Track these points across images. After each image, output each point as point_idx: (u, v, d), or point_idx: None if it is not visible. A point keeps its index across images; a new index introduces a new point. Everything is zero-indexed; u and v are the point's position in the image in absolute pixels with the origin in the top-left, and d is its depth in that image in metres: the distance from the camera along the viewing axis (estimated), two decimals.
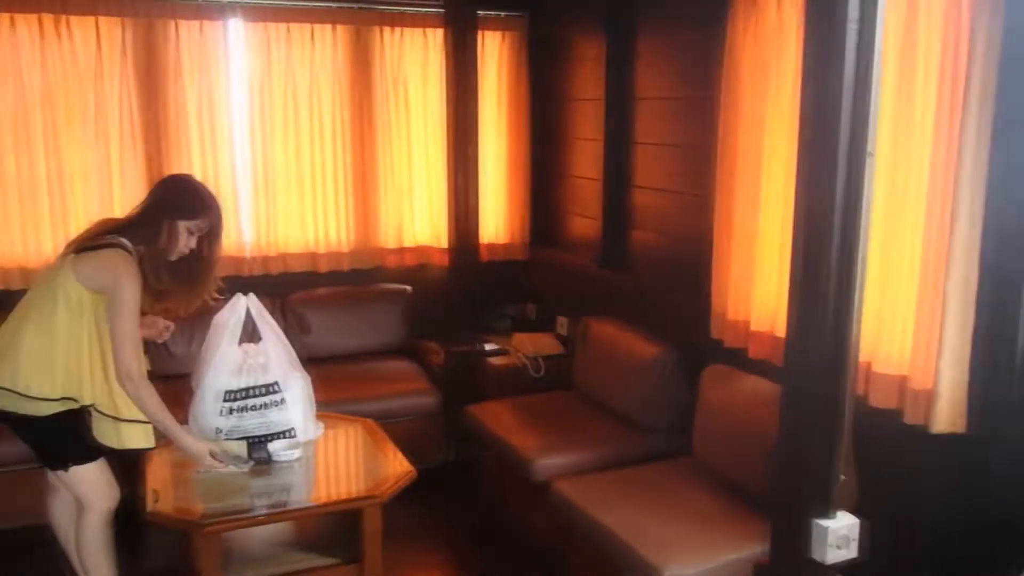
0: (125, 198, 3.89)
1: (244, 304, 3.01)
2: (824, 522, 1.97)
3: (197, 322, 3.63)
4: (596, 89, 3.88)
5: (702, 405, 3.04)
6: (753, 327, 2.92)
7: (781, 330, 2.75)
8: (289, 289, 4.24)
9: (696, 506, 2.72)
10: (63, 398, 2.48)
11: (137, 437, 2.59)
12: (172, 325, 2.83)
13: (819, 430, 1.94)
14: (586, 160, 4.14)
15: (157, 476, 2.75)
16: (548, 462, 3.08)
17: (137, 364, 2.48)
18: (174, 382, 3.38)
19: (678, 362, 3.28)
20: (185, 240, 2.55)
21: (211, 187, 3.91)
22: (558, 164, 4.46)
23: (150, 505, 2.56)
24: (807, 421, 1.97)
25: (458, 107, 3.88)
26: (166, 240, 2.51)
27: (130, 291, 2.43)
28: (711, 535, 2.53)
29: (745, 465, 2.72)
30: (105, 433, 2.56)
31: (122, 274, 2.44)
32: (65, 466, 2.54)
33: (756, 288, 2.89)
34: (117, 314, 2.43)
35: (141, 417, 2.56)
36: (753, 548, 2.42)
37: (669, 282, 3.55)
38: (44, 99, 3.73)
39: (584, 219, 4.20)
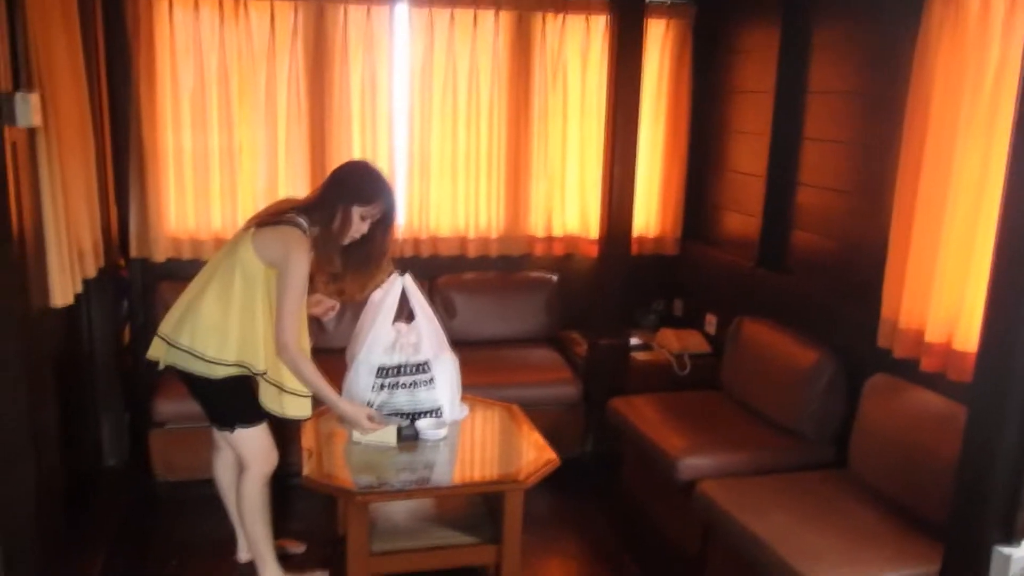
0: (289, 175, 4.13)
1: (400, 284, 3.13)
2: (1006, 550, 1.86)
3: (346, 302, 3.88)
4: (765, 81, 3.78)
5: (863, 416, 2.91)
6: (928, 338, 2.77)
7: (962, 343, 2.60)
8: (437, 272, 4.37)
9: (853, 521, 2.62)
10: (236, 364, 2.67)
11: (297, 406, 2.76)
12: (337, 305, 2.98)
13: (1009, 453, 1.83)
14: (748, 155, 4.04)
15: (312, 446, 2.92)
16: (694, 462, 3.05)
17: (295, 338, 2.60)
18: (327, 356, 3.59)
19: (838, 370, 3.16)
20: (357, 225, 2.66)
21: None
22: (717, 158, 4.37)
23: (306, 470, 2.72)
24: (996, 443, 1.86)
25: (619, 95, 3.86)
26: (339, 224, 2.63)
27: (298, 268, 2.56)
28: (869, 552, 2.44)
29: (908, 482, 2.60)
30: (270, 400, 2.75)
31: (293, 251, 2.57)
32: (231, 427, 2.73)
33: (935, 297, 2.74)
34: (283, 288, 2.57)
35: (302, 390, 2.72)
36: (915, 570, 2.31)
37: (832, 286, 3.42)
38: (220, 78, 3.98)
39: (742, 216, 4.10)
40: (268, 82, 4.05)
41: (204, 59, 3.96)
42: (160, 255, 4.03)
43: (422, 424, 3.03)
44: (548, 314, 4.42)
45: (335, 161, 4.15)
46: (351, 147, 4.20)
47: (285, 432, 2.95)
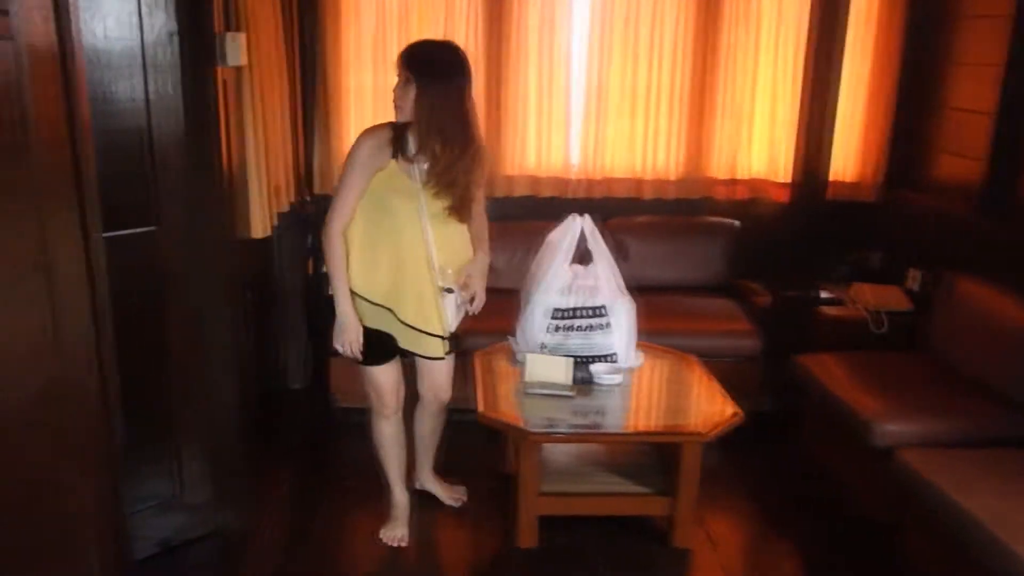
0: None
1: (579, 225, 3.14)
2: None
3: (524, 238, 3.94)
4: (1000, 3, 3.42)
5: None
6: None
7: None
8: (610, 214, 4.33)
9: None
10: (381, 306, 2.66)
11: (434, 347, 2.74)
12: (474, 295, 2.79)
13: None
14: (974, 89, 3.70)
15: (486, 383, 3.00)
16: (893, 428, 2.89)
17: (339, 225, 2.53)
18: (500, 296, 3.66)
19: None
20: (402, 91, 2.47)
21: (545, 105, 4.23)
22: (933, 94, 4.04)
23: (480, 407, 2.81)
24: None
25: (823, 26, 3.62)
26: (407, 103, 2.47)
27: (358, 150, 2.51)
28: None
29: None
30: (408, 342, 2.73)
31: (359, 137, 2.53)
32: (364, 361, 2.75)
33: None
34: (344, 170, 2.55)
35: (439, 331, 2.71)
36: None
37: None
38: (400, 17, 4.09)
39: (961, 159, 3.78)
40: (447, 20, 4.11)
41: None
42: None
43: (597, 368, 3.05)
44: (727, 262, 4.30)
45: (511, 99, 4.21)
46: (527, 84, 4.21)
47: (458, 368, 3.03)
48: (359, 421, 3.09)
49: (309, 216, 4.02)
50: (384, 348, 2.73)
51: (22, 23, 1.30)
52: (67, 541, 1.46)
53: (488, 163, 2.59)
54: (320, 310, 3.94)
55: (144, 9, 2.20)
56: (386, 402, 2.83)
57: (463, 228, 2.72)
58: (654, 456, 3.09)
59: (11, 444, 1.27)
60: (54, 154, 1.43)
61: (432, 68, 2.44)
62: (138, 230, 2.32)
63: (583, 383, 3.00)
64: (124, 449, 1.66)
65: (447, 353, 2.78)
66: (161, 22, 2.22)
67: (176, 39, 2.24)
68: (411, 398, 2.97)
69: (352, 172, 2.52)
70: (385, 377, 2.80)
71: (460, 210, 2.60)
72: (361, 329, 2.64)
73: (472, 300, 2.78)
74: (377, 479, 2.99)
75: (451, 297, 2.68)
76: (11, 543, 1.27)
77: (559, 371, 2.96)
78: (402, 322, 2.67)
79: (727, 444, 2.89)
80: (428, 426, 3.06)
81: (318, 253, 4.13)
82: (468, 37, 4.15)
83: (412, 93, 2.44)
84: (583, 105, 4.31)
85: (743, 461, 3.51)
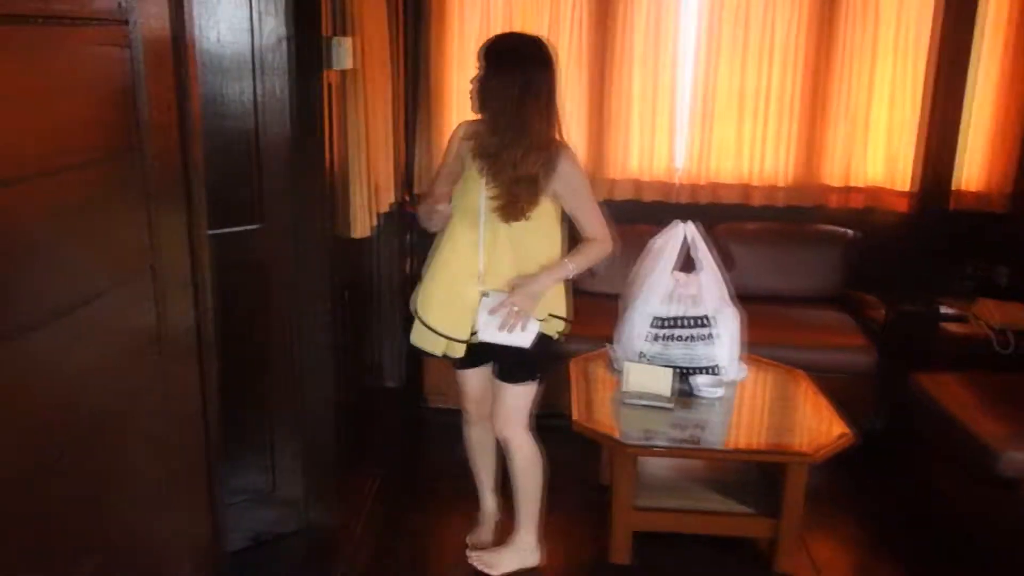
0: (564, 116, 4.14)
1: (683, 232, 3.06)
2: None
3: (625, 242, 3.87)
4: None
5: None
6: None
7: None
8: (716, 220, 4.21)
9: None
10: None
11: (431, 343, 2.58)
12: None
13: None
14: None
15: (582, 391, 2.96)
16: (1019, 456, 2.70)
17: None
18: (598, 299, 3.62)
19: None
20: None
21: (649, 108, 4.15)
22: None
23: (575, 415, 2.76)
24: None
25: (950, 26, 3.42)
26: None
27: (454, 135, 2.53)
28: None
29: None
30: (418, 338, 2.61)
31: (456, 129, 2.56)
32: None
33: None
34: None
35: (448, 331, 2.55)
36: None
37: None
38: (504, 19, 4.09)
39: None
40: (551, 20, 4.09)
41: (491, 1, 4.09)
42: None
43: (698, 380, 2.97)
44: (840, 272, 4.12)
45: (614, 102, 4.15)
46: (632, 85, 4.15)
47: (552, 375, 2.99)
48: (452, 422, 3.09)
49: (408, 216, 4.06)
50: (471, 350, 2.58)
51: (140, 31, 1.34)
52: (159, 536, 1.49)
53: (563, 165, 2.39)
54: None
55: (256, 15, 2.25)
56: (467, 408, 2.79)
57: (518, 237, 2.46)
58: (756, 474, 2.98)
59: (108, 443, 1.29)
60: (165, 158, 1.46)
61: (498, 58, 2.36)
62: (243, 228, 2.37)
63: (683, 395, 2.92)
64: (222, 444, 1.69)
65: (509, 380, 2.56)
66: (272, 27, 2.27)
67: (286, 43, 2.29)
68: None
69: (448, 154, 2.54)
70: (467, 382, 2.73)
71: (506, 208, 2.38)
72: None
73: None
74: (469, 482, 2.98)
75: (485, 301, 2.48)
76: (104, 534, 1.30)
77: (659, 381, 2.89)
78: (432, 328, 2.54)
79: (835, 464, 2.76)
80: (485, 444, 2.89)
81: (416, 253, 4.20)
82: (572, 37, 4.11)
83: (473, 87, 2.41)
84: (689, 107, 4.22)
85: (852, 483, 3.35)
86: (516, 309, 2.42)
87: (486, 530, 2.91)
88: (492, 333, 2.47)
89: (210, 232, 1.76)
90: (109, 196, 1.30)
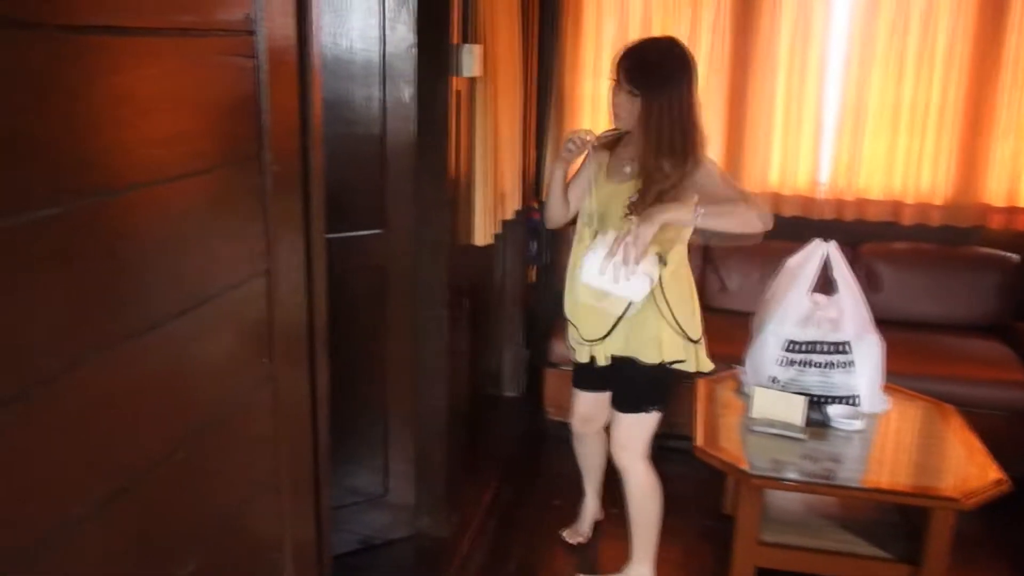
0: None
1: (822, 251, 2.90)
2: None
3: (761, 259, 3.73)
4: None
5: None
6: None
7: None
8: (862, 238, 3.99)
9: None
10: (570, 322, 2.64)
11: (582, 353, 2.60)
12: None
13: None
14: None
15: (707, 414, 2.84)
16: None
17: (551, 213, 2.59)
18: (729, 317, 3.48)
19: None
20: (613, 98, 2.36)
21: (793, 118, 3.97)
22: None
23: (698, 441, 2.65)
24: None
25: None
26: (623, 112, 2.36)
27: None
28: None
29: None
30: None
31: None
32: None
33: None
34: None
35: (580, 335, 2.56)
36: None
37: None
38: (642, 26, 4.00)
39: None
40: (692, 28, 3.98)
41: (628, 8, 4.02)
42: None
43: (834, 411, 2.80)
44: (1001, 300, 3.80)
45: (755, 110, 3.99)
46: (774, 95, 3.98)
47: (677, 393, 2.90)
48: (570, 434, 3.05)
49: (533, 223, 4.04)
50: (587, 372, 2.64)
51: (265, 42, 1.36)
52: (263, 537, 1.51)
53: (711, 170, 2.38)
54: (538, 318, 4.01)
55: (387, 23, 2.28)
56: (574, 425, 2.85)
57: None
58: (896, 516, 2.77)
59: (217, 443, 1.32)
60: (285, 164, 1.48)
61: (651, 77, 2.27)
62: (366, 232, 2.41)
63: (817, 425, 2.76)
64: (330, 448, 1.71)
65: (627, 409, 2.51)
66: (401, 35, 2.30)
67: (414, 51, 2.31)
68: None
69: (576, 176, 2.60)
70: (580, 402, 2.78)
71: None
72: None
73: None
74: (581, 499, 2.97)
75: (598, 239, 2.31)
76: (208, 533, 1.32)
77: (791, 409, 2.73)
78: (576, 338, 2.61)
79: (986, 509, 2.52)
80: (597, 460, 2.96)
81: (541, 261, 4.18)
82: (713, 46, 3.99)
83: (630, 103, 2.30)
84: (836, 118, 4.00)
85: (1004, 531, 3.07)
86: (630, 239, 2.18)
87: (584, 524, 3.00)
88: (595, 276, 2.25)
89: (332, 235, 1.80)
90: (230, 201, 1.32)
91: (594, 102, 4.14)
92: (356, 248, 2.38)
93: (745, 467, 2.53)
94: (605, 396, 2.64)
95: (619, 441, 2.55)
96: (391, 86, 2.32)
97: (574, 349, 2.65)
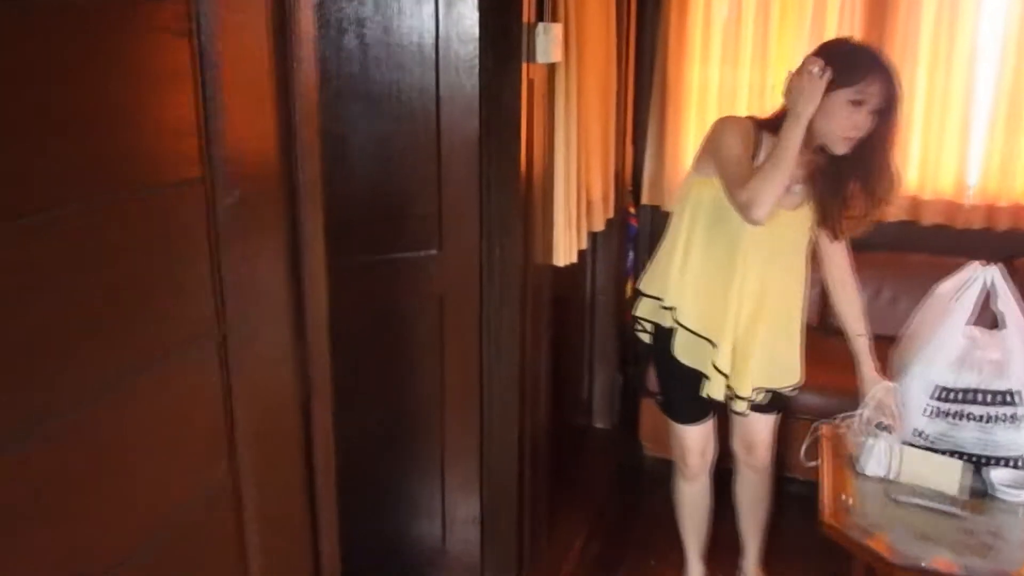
0: None
1: (983, 277, 2.26)
2: None
3: (896, 274, 3.13)
4: None
5: None
6: None
7: None
8: (1017, 252, 3.27)
9: None
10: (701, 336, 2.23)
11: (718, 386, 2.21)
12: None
13: None
14: None
15: (835, 474, 2.24)
16: None
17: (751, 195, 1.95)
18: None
19: None
20: (848, 115, 1.95)
21: (936, 111, 3.29)
22: None
23: (825, 513, 2.09)
24: None
25: None
26: (822, 117, 1.96)
27: (731, 136, 2.04)
28: None
29: None
30: (688, 352, 2.24)
31: (724, 121, 2.11)
32: (669, 412, 2.42)
33: None
34: (721, 162, 2.03)
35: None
36: None
37: None
38: (759, 7, 3.43)
39: None
40: (815, 13, 3.37)
41: None
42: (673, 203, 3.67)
43: (997, 476, 2.18)
44: None
45: None
46: (914, 89, 3.31)
47: (785, 429, 2.51)
48: (668, 470, 2.59)
49: (631, 230, 3.52)
50: (694, 399, 2.29)
51: (213, 8, 0.89)
52: None
53: None
54: (635, 339, 3.48)
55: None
56: (688, 462, 2.44)
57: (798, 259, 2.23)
58: None
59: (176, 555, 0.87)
60: (254, 189, 1.03)
61: (895, 96, 1.97)
62: (418, 253, 1.94)
63: (977, 495, 2.14)
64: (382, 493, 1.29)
65: (764, 410, 2.34)
66: (461, 12, 1.82)
67: (477, 31, 1.82)
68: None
69: (733, 143, 2.03)
70: (690, 435, 2.40)
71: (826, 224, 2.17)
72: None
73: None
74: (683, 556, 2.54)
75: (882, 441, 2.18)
76: None
77: (943, 474, 2.15)
78: (714, 366, 2.19)
79: None
80: (746, 496, 2.52)
81: (641, 274, 3.64)
82: (840, 31, 3.34)
83: (867, 122, 1.97)
84: (989, 114, 3.31)
85: None
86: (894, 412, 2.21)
87: None
88: (884, 467, 2.19)
89: (375, 257, 1.39)
90: (148, 246, 0.86)
91: (702, 92, 3.57)
92: (406, 272, 1.93)
93: (886, 554, 1.94)
94: (711, 424, 2.43)
95: (765, 442, 2.43)
96: (448, 76, 1.85)
97: (709, 381, 2.23)
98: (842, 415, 2.36)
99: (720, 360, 2.18)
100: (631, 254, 3.55)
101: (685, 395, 2.30)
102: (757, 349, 2.21)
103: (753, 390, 2.25)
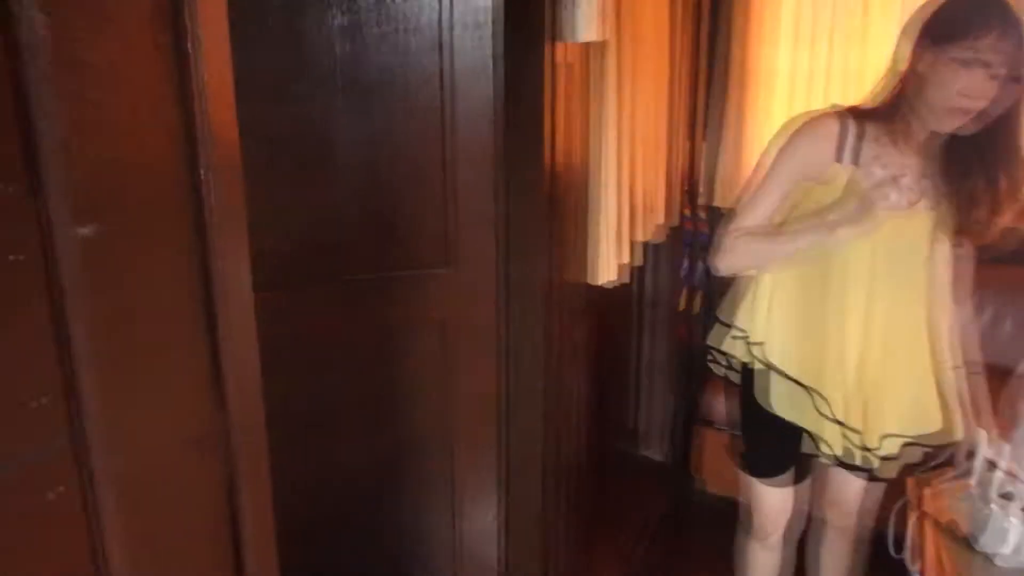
0: None
1: None
2: None
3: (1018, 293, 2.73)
4: None
5: None
6: None
7: None
8: None
9: None
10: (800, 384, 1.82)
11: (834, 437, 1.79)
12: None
13: None
14: None
15: (941, 555, 1.88)
16: None
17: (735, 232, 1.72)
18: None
19: None
20: (958, 79, 1.51)
21: None
22: None
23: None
24: None
25: None
26: (924, 87, 1.56)
27: (789, 156, 1.68)
28: None
29: None
30: (789, 402, 1.82)
31: (789, 137, 1.69)
32: (748, 467, 2.01)
33: None
34: (761, 176, 1.73)
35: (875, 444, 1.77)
36: None
37: None
38: None
39: None
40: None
41: None
42: None
43: None
44: None
45: None
46: None
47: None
48: (731, 518, 2.25)
49: (692, 236, 3.16)
50: (783, 453, 1.92)
51: None
52: None
53: None
54: (691, 361, 3.15)
55: None
56: (763, 524, 2.03)
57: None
58: None
59: None
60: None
61: None
62: (423, 271, 1.66)
63: None
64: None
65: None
66: None
67: (490, 3, 1.52)
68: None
69: (777, 170, 1.72)
70: (771, 496, 1.98)
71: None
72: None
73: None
74: None
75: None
76: None
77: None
78: (824, 414, 1.78)
79: None
80: (831, 565, 2.12)
81: (701, 286, 3.29)
82: None
83: (988, 89, 1.52)
84: None
85: None
86: None
87: None
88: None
89: (377, 275, 1.14)
90: None
91: (792, 79, 3.14)
92: (409, 293, 1.66)
93: None
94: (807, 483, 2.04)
95: (854, 499, 2.00)
96: (460, 59, 1.55)
97: (825, 441, 1.80)
98: (938, 468, 2.00)
99: (832, 408, 1.77)
100: (689, 262, 3.20)
101: (777, 451, 1.93)
102: (884, 389, 1.79)
103: (883, 438, 1.80)
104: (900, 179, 1.67)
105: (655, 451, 3.12)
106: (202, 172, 0.82)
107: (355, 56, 1.48)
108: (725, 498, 2.80)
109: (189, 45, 0.79)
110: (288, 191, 1.54)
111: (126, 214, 0.76)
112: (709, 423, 2.95)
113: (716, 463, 2.95)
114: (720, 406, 2.90)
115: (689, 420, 3.06)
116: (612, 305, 2.69)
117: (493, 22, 1.52)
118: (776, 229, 1.72)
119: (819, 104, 3.08)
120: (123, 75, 0.74)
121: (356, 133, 1.49)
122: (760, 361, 1.83)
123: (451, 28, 1.51)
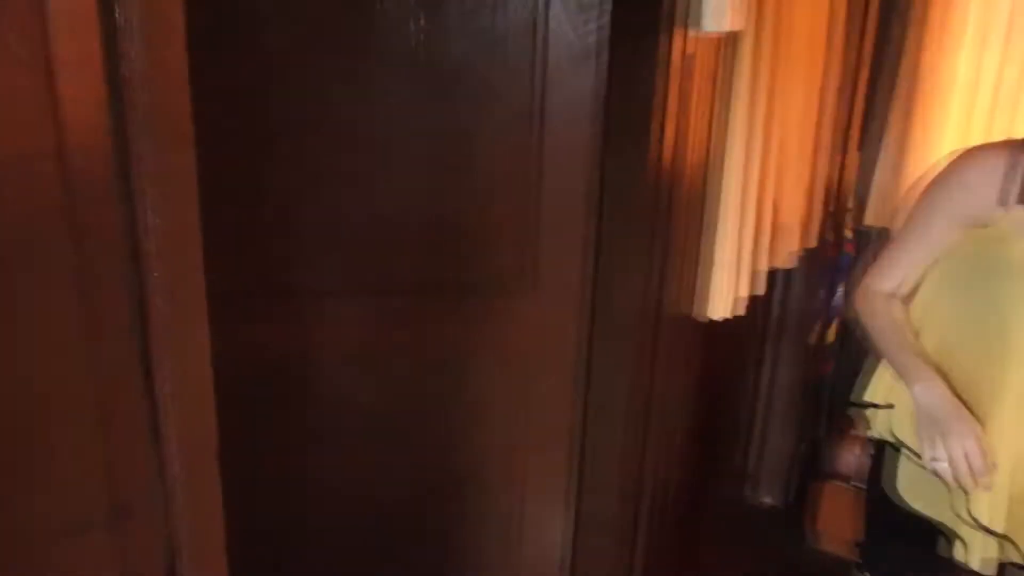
0: None
1: None
2: None
3: None
4: None
5: None
6: None
7: None
8: None
9: None
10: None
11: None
12: None
13: None
14: None
15: None
16: None
17: (877, 285, 1.53)
18: None
19: None
20: None
21: None
22: None
23: None
24: None
25: None
26: None
27: (944, 183, 1.44)
28: None
29: None
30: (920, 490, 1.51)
31: (953, 162, 1.45)
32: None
33: None
34: (907, 220, 1.53)
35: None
36: None
37: None
38: None
39: None
40: None
41: None
42: None
43: None
44: None
45: None
46: None
47: None
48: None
49: (842, 260, 2.84)
50: (925, 557, 1.55)
51: None
52: None
53: None
54: (822, 403, 2.84)
55: None
56: None
57: None
58: None
59: None
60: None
61: None
62: (491, 296, 1.47)
63: None
64: None
65: None
66: None
67: None
68: None
69: (923, 217, 1.49)
70: None
71: None
72: (979, 429, 1.43)
73: None
74: None
75: None
76: None
77: None
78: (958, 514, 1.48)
79: None
80: None
81: (846, 317, 2.97)
82: None
83: None
84: None
85: None
86: None
87: None
88: None
89: (443, 292, 0.97)
90: None
91: (974, 89, 2.74)
92: (480, 317, 1.46)
93: None
94: None
95: None
96: (558, 43, 1.33)
97: (960, 540, 1.51)
98: None
99: (979, 508, 1.44)
100: (824, 290, 2.88)
101: (904, 553, 1.62)
102: None
103: None
104: None
105: (776, 497, 2.86)
106: (134, 177, 0.64)
107: (434, 34, 1.28)
108: (838, 557, 2.62)
109: (117, 19, 0.60)
110: (350, 189, 1.38)
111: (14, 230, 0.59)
112: (833, 475, 2.68)
113: (834, 517, 2.67)
114: (845, 455, 2.64)
115: (810, 468, 2.78)
116: (728, 335, 2.41)
117: (601, 2, 1.28)
118: (899, 337, 1.50)
119: (1003, 121, 2.71)
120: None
121: (420, 135, 1.30)
122: (887, 436, 1.53)
123: (547, 5, 1.28)
